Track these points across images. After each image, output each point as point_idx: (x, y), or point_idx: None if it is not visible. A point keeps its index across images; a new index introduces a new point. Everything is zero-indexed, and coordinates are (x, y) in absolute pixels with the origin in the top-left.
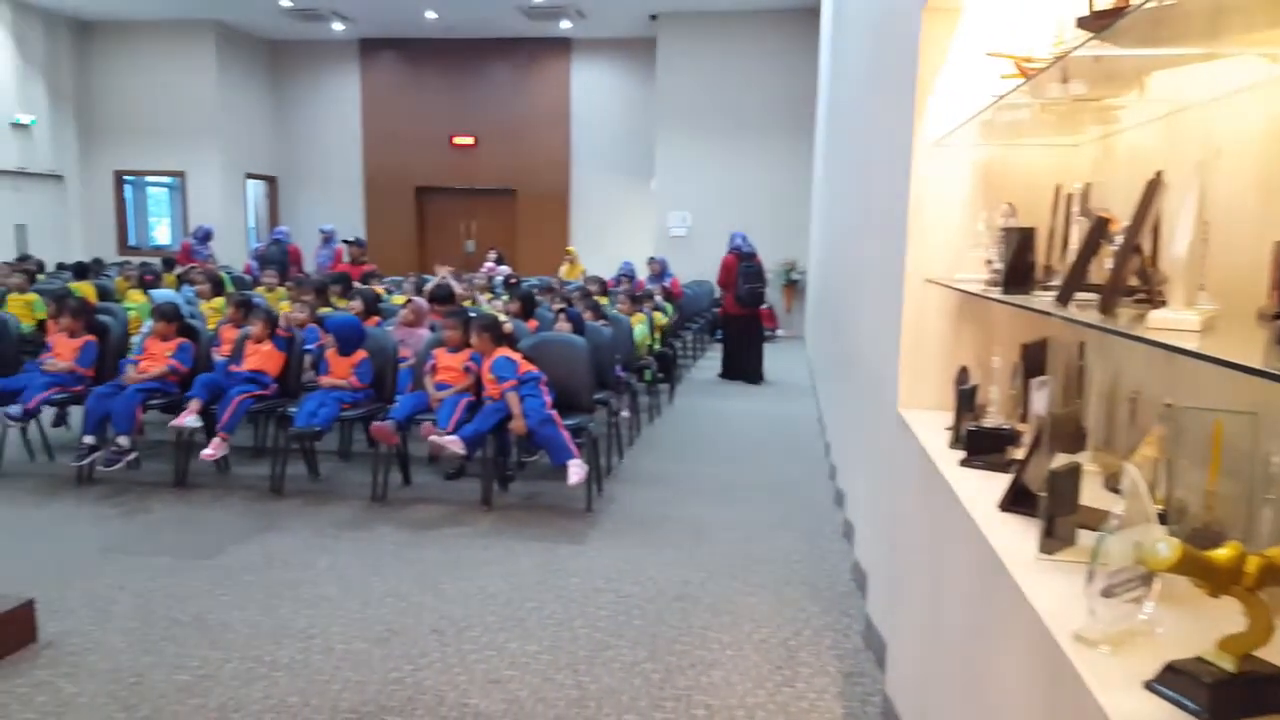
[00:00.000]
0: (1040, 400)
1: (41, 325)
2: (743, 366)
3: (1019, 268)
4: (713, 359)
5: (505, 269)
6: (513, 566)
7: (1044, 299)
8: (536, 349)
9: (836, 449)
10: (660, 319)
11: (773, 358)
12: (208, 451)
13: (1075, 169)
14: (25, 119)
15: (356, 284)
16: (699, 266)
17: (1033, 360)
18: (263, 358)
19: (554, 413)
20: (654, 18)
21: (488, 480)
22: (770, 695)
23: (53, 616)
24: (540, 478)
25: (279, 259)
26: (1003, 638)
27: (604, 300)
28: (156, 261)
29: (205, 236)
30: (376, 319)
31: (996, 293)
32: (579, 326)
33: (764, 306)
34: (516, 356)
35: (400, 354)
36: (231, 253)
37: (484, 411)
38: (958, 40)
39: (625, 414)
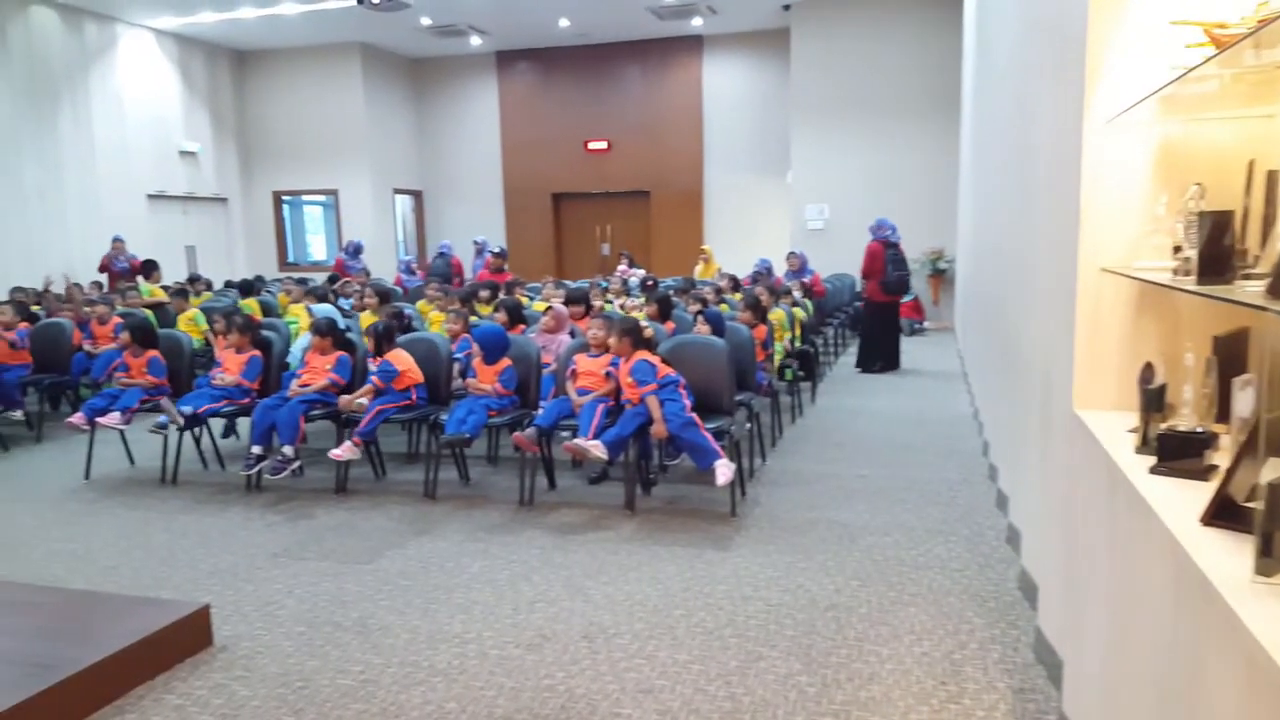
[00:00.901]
0: (1244, 401)
1: (206, 340)
2: (880, 355)
3: (1215, 255)
4: (855, 355)
5: (640, 271)
6: (659, 572)
7: (1248, 289)
8: (675, 352)
9: (997, 449)
10: (800, 315)
11: (921, 350)
12: (336, 452)
13: (1275, 141)
14: (192, 147)
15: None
16: (839, 259)
17: (1229, 355)
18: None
19: (694, 415)
20: (786, 8)
21: (630, 485)
22: (935, 712)
23: (226, 620)
24: (682, 481)
25: (443, 271)
26: (1213, 668)
27: (736, 296)
28: (315, 277)
29: (356, 251)
30: (521, 327)
31: (1189, 282)
32: (718, 328)
33: (911, 297)
34: (655, 360)
35: (542, 360)
36: (382, 266)
37: (625, 416)
38: (1130, 9)
39: (746, 427)
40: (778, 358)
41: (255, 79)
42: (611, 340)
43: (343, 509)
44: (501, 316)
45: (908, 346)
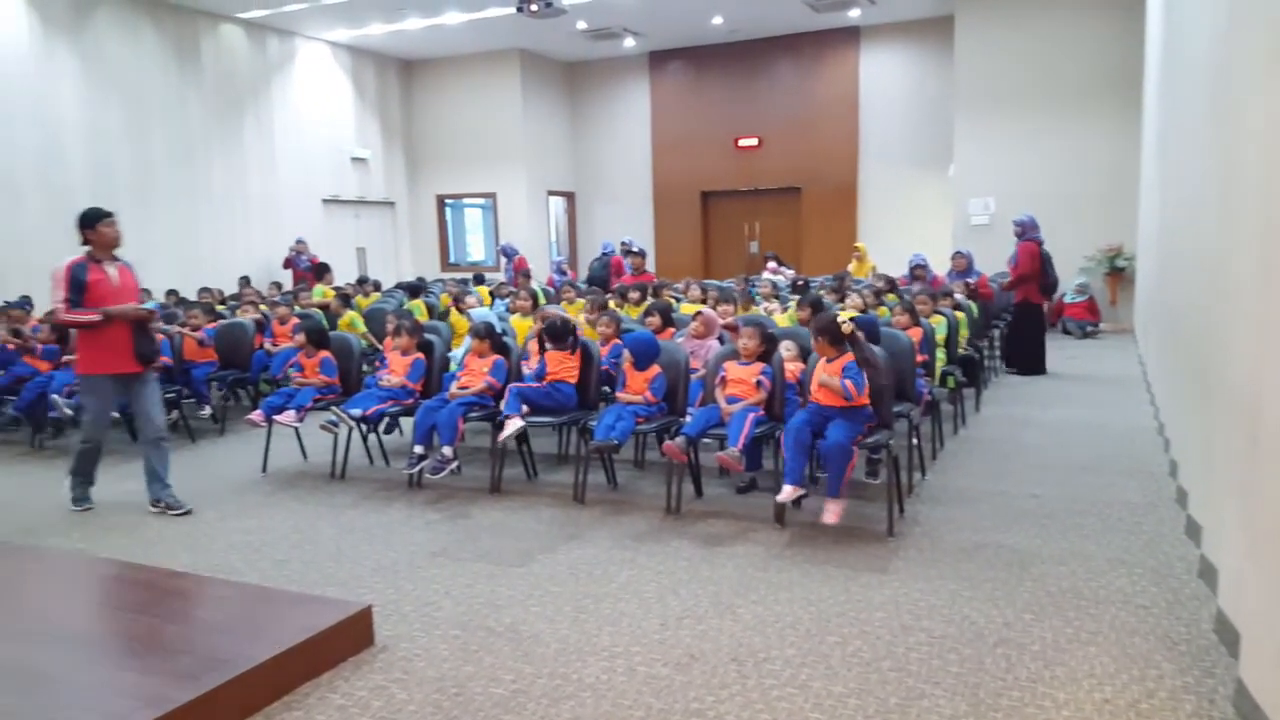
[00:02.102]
0: None
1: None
2: (1031, 356)
3: None
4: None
5: (789, 270)
6: (811, 594)
7: None
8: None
9: (1187, 470)
10: (962, 318)
11: (1096, 355)
12: (507, 434)
13: None
14: (363, 153)
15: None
16: (1004, 256)
17: None
18: (566, 368)
19: (855, 449)
20: None
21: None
22: None
23: (387, 620)
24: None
25: (602, 273)
26: None
27: (892, 298)
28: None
29: (508, 254)
30: (671, 331)
31: None
32: (873, 335)
33: (1085, 298)
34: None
35: (691, 365)
36: (535, 266)
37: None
38: None
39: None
40: (939, 365)
41: (420, 87)
42: (812, 342)
43: (497, 509)
44: (655, 320)
45: (1080, 350)
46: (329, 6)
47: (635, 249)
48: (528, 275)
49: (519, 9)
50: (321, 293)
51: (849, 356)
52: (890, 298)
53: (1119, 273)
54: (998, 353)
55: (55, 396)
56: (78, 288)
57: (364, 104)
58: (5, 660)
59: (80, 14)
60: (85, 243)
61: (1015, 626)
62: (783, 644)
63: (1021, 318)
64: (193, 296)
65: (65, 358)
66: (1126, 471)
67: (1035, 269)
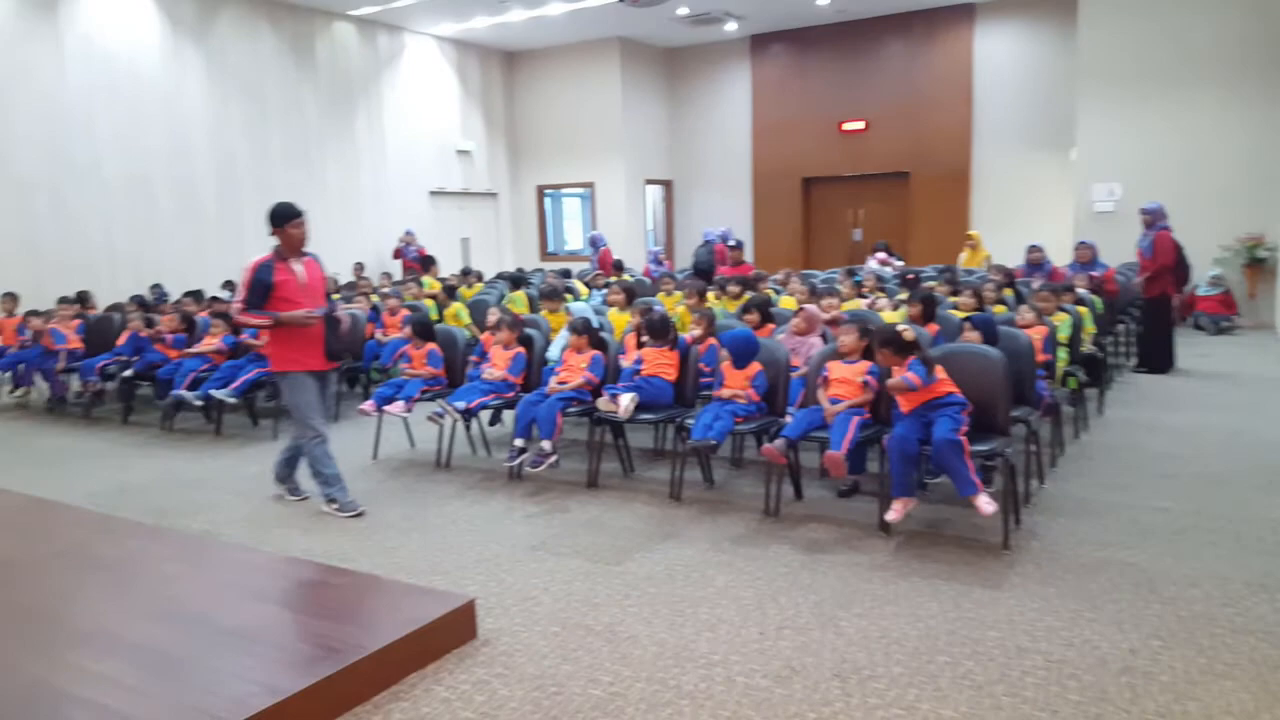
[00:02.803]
0: None
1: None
2: (1159, 352)
3: None
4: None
5: (898, 262)
6: (919, 609)
7: None
8: (941, 363)
9: None
10: (1086, 314)
11: (1233, 352)
12: (624, 407)
13: None
14: (467, 145)
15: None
16: (1130, 245)
17: None
18: (662, 364)
19: (964, 439)
20: None
21: (885, 504)
22: None
23: (489, 613)
24: (943, 501)
25: (707, 261)
26: None
27: (1009, 292)
28: (572, 267)
29: (595, 244)
30: (771, 327)
31: None
32: (989, 335)
33: (1222, 290)
34: (941, 372)
35: (791, 363)
36: (632, 256)
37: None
38: None
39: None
40: (1060, 365)
41: (522, 78)
42: (876, 355)
43: (594, 504)
44: (753, 317)
45: (1213, 347)
46: (436, 1)
47: (732, 242)
48: (620, 267)
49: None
50: (428, 284)
51: (910, 358)
52: (1008, 293)
53: (1259, 264)
54: (1122, 350)
55: (181, 391)
56: (261, 290)
57: (468, 97)
58: (137, 638)
59: (205, 16)
60: (275, 239)
61: (1142, 654)
62: (888, 661)
63: (1153, 312)
64: None
65: (193, 347)
66: (1266, 485)
67: (1171, 259)
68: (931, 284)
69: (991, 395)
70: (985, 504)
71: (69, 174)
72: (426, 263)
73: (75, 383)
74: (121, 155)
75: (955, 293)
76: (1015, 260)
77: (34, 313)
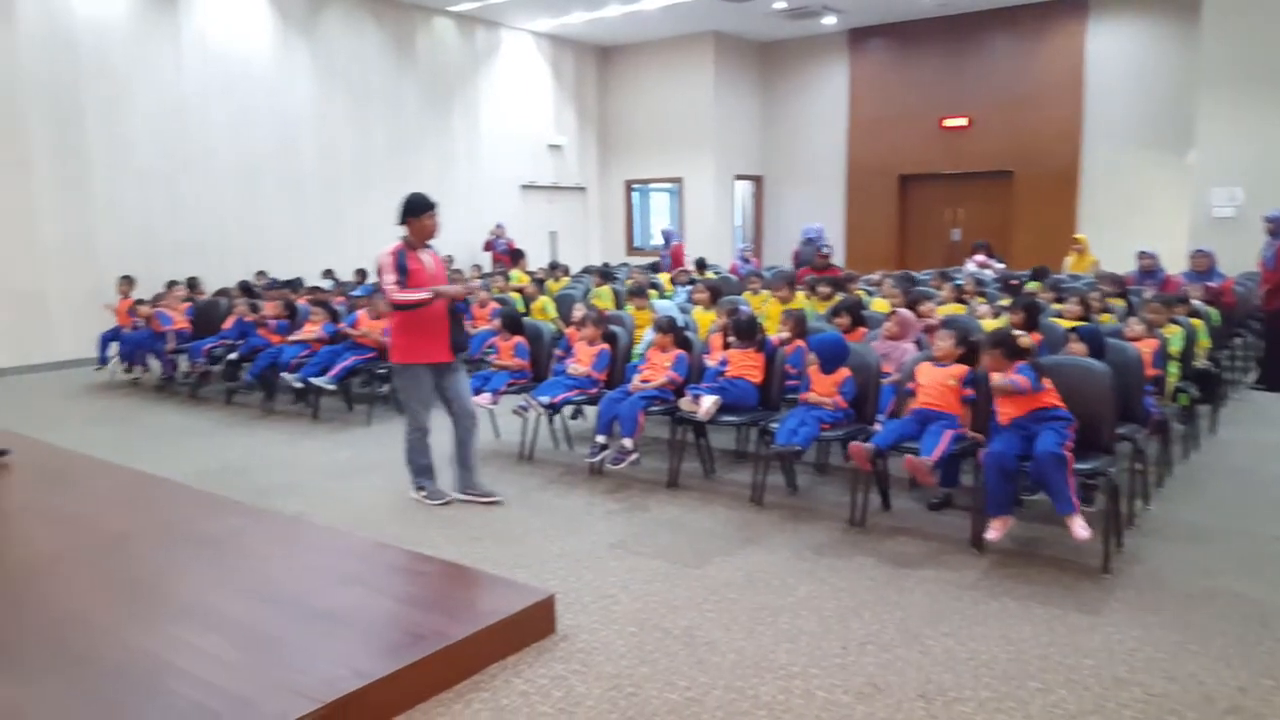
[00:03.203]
0: None
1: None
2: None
3: None
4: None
5: (999, 264)
6: (1010, 631)
7: None
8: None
9: None
10: (1200, 327)
11: None
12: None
13: None
14: (559, 140)
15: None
16: (1251, 254)
17: None
18: (747, 365)
19: (1069, 454)
20: None
21: (979, 518)
22: None
23: (568, 609)
24: (1038, 520)
25: (810, 257)
26: None
27: (1119, 302)
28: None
29: (667, 238)
30: (862, 331)
31: None
32: (1096, 347)
33: None
34: (1047, 383)
35: (882, 369)
36: (719, 252)
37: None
38: None
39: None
40: (1171, 380)
41: (615, 73)
42: (982, 357)
43: (674, 505)
44: (844, 320)
45: None
46: None
47: (824, 247)
48: (702, 265)
49: None
50: (517, 277)
51: (1020, 362)
52: (1118, 302)
53: None
54: (1239, 365)
55: (286, 375)
56: (403, 271)
57: (562, 91)
58: (235, 615)
59: (314, 12)
60: (405, 229)
61: (1252, 693)
62: (976, 684)
63: (1274, 326)
64: None
65: (295, 334)
66: None
67: None
68: (1034, 287)
69: (1096, 411)
70: (1080, 528)
71: (184, 165)
72: (515, 256)
73: (184, 363)
74: (232, 147)
75: (1059, 299)
76: (1124, 266)
77: (141, 301)
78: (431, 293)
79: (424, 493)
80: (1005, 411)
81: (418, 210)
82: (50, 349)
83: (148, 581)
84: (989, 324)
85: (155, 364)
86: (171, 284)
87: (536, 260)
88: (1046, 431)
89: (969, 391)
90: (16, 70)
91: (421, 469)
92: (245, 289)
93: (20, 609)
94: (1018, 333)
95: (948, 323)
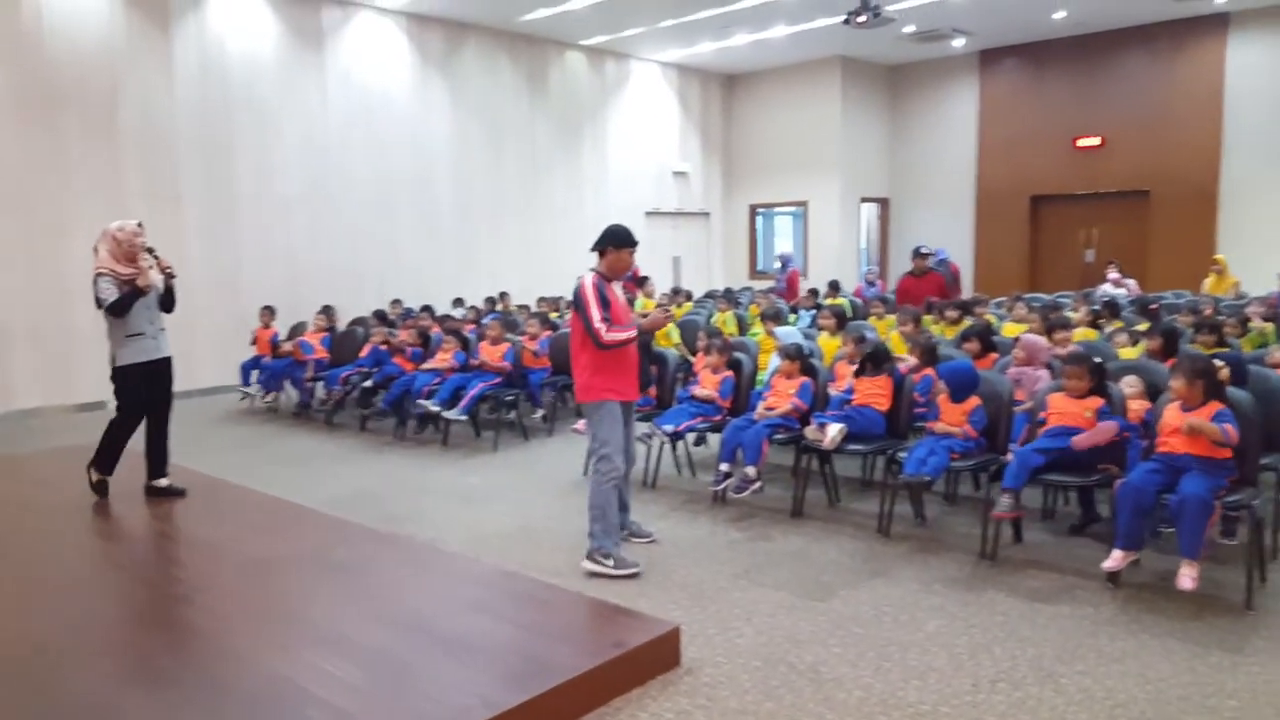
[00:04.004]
0: None
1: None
2: None
3: None
4: None
5: (1131, 282)
6: (1148, 669)
7: None
8: None
9: None
10: None
11: None
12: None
13: None
14: (684, 167)
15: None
16: None
17: None
18: (874, 393)
19: (1219, 505)
20: None
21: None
22: None
23: (692, 641)
24: (1175, 551)
25: (950, 281)
26: None
27: (1269, 326)
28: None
29: (784, 263)
30: (994, 357)
31: None
32: (1239, 374)
33: None
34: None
35: (1015, 396)
36: (846, 276)
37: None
38: None
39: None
40: None
41: (740, 100)
42: (1175, 382)
43: (798, 535)
44: (973, 345)
45: None
46: (663, 29)
47: (928, 251)
48: (836, 287)
49: (846, 21)
50: (643, 304)
51: (1218, 405)
52: (1268, 327)
53: None
54: None
55: (421, 401)
56: (606, 305)
57: (687, 119)
58: (367, 641)
59: (451, 49)
60: (599, 258)
61: None
62: None
63: None
64: (534, 306)
65: (428, 363)
66: None
67: None
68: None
69: (1239, 441)
70: (1188, 579)
71: (325, 196)
72: (641, 282)
73: (320, 390)
74: (371, 178)
75: (1199, 325)
76: (1266, 287)
77: (278, 339)
78: (637, 329)
79: (611, 562)
80: (1171, 444)
81: (620, 242)
82: (194, 377)
83: (285, 608)
84: (1125, 353)
85: (293, 391)
86: (326, 308)
87: (661, 286)
88: (1200, 475)
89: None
90: (173, 107)
91: (610, 529)
92: (380, 317)
93: (169, 634)
94: (1219, 364)
95: (1072, 358)
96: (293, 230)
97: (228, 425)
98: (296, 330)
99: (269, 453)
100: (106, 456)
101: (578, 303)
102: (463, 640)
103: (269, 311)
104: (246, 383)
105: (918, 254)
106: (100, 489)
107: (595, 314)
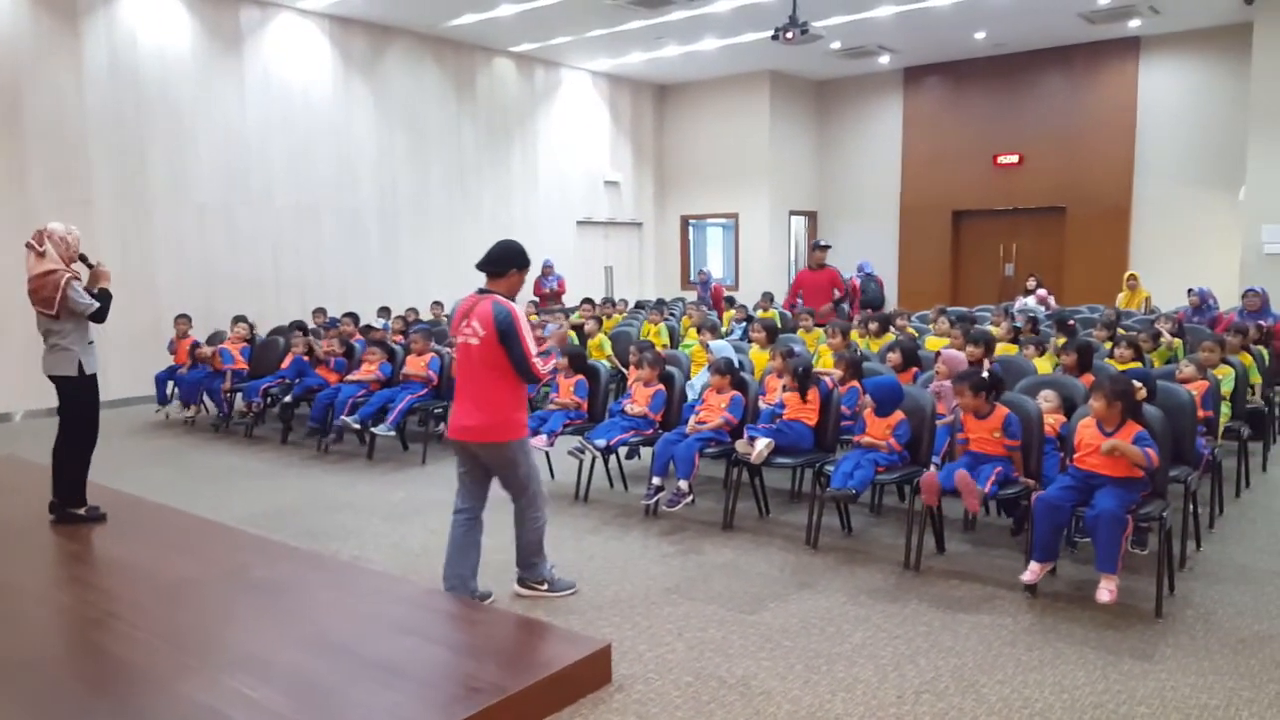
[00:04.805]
0: None
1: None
2: None
3: None
4: None
5: (1043, 292)
6: (1065, 678)
7: None
8: None
9: None
10: (1250, 364)
11: None
12: (758, 451)
13: None
14: (615, 176)
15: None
16: None
17: None
18: (802, 409)
19: (1131, 519)
20: (1250, 1)
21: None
22: None
23: (624, 657)
24: (1089, 561)
25: (877, 295)
26: None
27: (1177, 342)
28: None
29: (705, 280)
30: (914, 370)
31: None
32: (1151, 392)
33: None
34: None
35: (937, 409)
36: (775, 288)
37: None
38: None
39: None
40: (1223, 421)
41: (672, 110)
42: (1094, 402)
43: (729, 547)
44: (896, 357)
45: None
46: (593, 38)
47: (824, 242)
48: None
49: (774, 37)
50: (577, 315)
51: (1137, 426)
52: (1176, 343)
53: None
54: None
55: (344, 418)
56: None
57: (619, 128)
58: (289, 665)
59: (375, 52)
60: (499, 280)
61: None
62: None
63: None
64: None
65: (353, 374)
66: None
67: None
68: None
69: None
70: (1107, 592)
71: (243, 201)
72: (551, 298)
73: (240, 402)
74: (292, 183)
75: (1117, 340)
76: (1177, 302)
77: (198, 344)
78: (555, 364)
79: (549, 584)
80: (1088, 462)
81: (524, 262)
82: (105, 389)
83: (205, 631)
84: (1041, 364)
85: (211, 402)
86: (238, 319)
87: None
88: (1115, 489)
89: (1015, 442)
90: (82, 107)
91: (541, 552)
92: (299, 327)
93: (81, 661)
94: (1138, 385)
95: (961, 379)
96: (209, 236)
97: (142, 439)
98: (214, 339)
99: (186, 468)
100: (83, 482)
101: (507, 334)
102: (389, 663)
103: (185, 320)
104: (163, 395)
105: (816, 247)
106: (99, 516)
107: (532, 347)
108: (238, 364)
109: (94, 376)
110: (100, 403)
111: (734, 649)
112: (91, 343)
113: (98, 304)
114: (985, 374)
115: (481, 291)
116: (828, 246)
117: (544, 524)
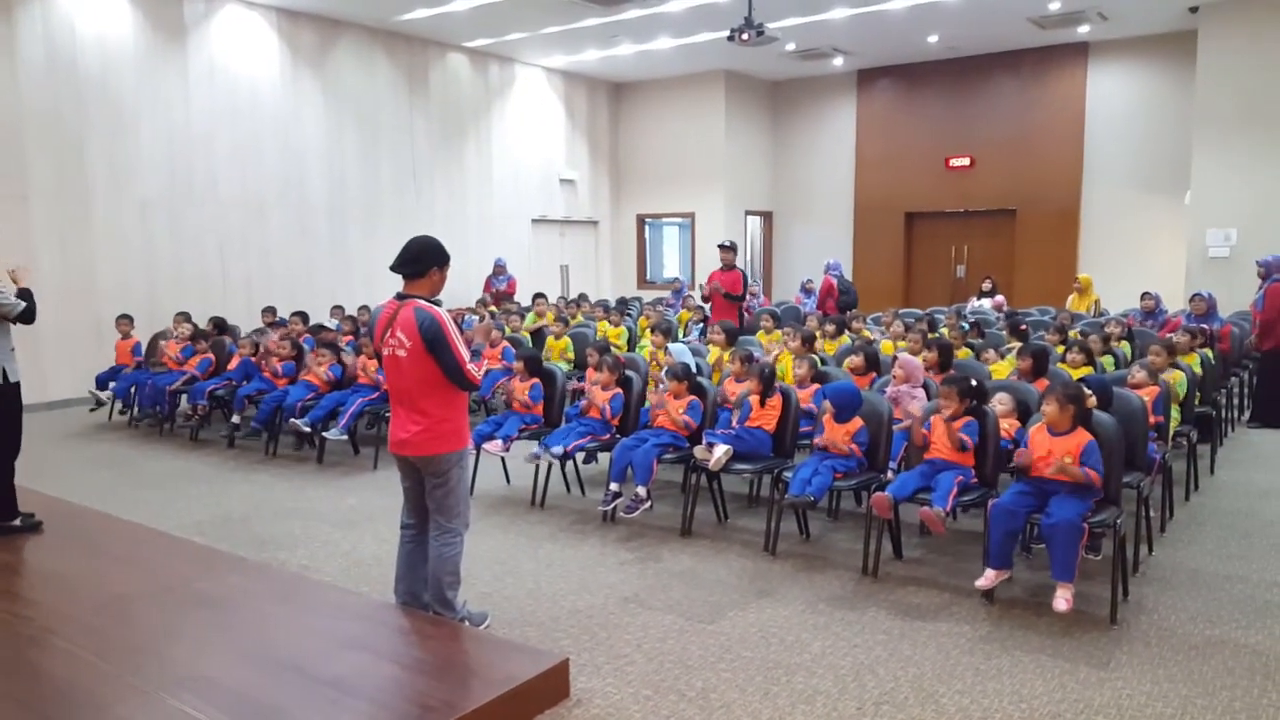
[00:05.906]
0: None
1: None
2: (1273, 407)
3: None
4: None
5: (998, 299)
6: (1023, 687)
7: None
8: None
9: None
10: (1197, 367)
11: None
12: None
13: None
14: (571, 174)
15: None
16: (1246, 294)
17: None
18: (762, 415)
19: (1086, 527)
20: (1194, 9)
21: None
22: None
23: (581, 671)
24: (1046, 567)
25: (854, 296)
26: None
27: (1124, 345)
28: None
29: (681, 291)
30: (873, 375)
31: None
32: (1105, 398)
33: None
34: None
35: (894, 414)
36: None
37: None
38: None
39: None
40: (1173, 425)
41: (628, 109)
42: (1048, 407)
43: (687, 554)
44: (858, 360)
45: None
46: (548, 35)
47: (725, 242)
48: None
49: (730, 38)
50: (533, 317)
51: (1088, 436)
52: (1123, 345)
53: None
54: (1236, 407)
55: (294, 420)
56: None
57: (574, 126)
58: (235, 684)
59: (324, 45)
60: (422, 280)
61: None
62: None
63: (1268, 366)
64: None
65: (301, 376)
66: None
67: None
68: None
69: (1105, 462)
70: (1063, 602)
71: (188, 196)
72: (500, 299)
73: (184, 404)
74: (238, 178)
75: (1064, 342)
76: (1125, 304)
77: (160, 334)
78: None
79: (467, 621)
80: (1040, 469)
81: (444, 259)
82: (43, 390)
83: (146, 648)
84: (997, 369)
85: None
86: (181, 315)
87: (546, 292)
88: (1070, 499)
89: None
90: (17, 98)
91: (458, 583)
92: (219, 326)
93: (15, 680)
94: (1089, 392)
95: (948, 380)
96: (152, 233)
97: (82, 441)
98: (158, 340)
99: (129, 472)
100: (12, 492)
101: (435, 342)
102: (339, 680)
103: (127, 320)
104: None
105: (723, 247)
106: (35, 526)
107: (465, 353)
108: (185, 365)
109: (18, 384)
110: (24, 408)
111: (693, 660)
112: (13, 349)
113: (24, 304)
114: (975, 382)
115: (401, 297)
116: (734, 246)
117: (461, 551)
